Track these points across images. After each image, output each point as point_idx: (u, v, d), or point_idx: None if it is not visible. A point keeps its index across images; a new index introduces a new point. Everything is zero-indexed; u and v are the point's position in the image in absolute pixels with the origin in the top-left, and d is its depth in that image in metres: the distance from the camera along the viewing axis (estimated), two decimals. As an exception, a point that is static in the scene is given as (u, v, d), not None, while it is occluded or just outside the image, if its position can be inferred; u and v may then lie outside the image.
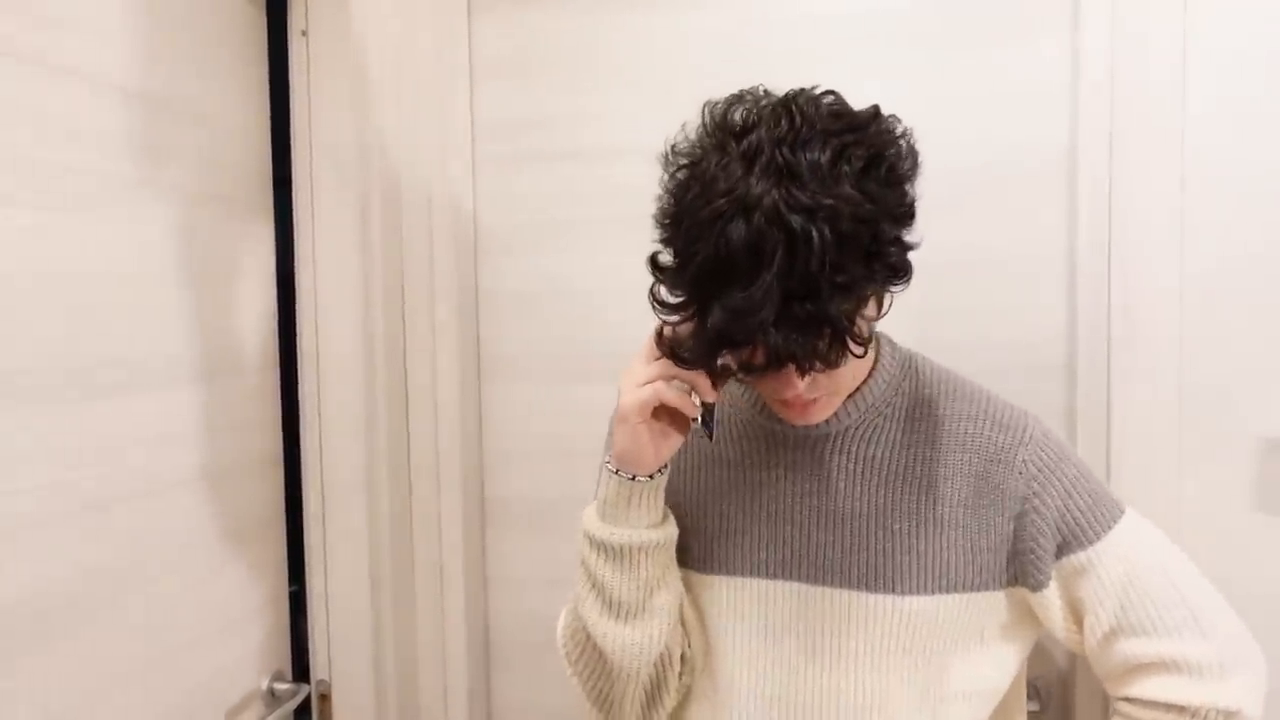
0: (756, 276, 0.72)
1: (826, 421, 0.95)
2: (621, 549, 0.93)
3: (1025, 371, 1.29)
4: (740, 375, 0.84)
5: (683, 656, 1.01)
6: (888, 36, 1.31)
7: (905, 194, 0.80)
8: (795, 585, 0.96)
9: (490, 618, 1.53)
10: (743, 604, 0.97)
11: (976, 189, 1.29)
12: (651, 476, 0.92)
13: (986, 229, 1.29)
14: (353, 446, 1.42)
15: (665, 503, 0.97)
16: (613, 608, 0.95)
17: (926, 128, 1.22)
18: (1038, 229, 1.28)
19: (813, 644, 0.94)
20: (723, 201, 0.74)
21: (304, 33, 1.40)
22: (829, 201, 0.72)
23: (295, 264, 1.42)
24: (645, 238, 0.85)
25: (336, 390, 1.42)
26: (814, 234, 0.71)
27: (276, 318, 1.42)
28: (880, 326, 1.01)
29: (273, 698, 1.39)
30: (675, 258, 0.80)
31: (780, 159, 0.74)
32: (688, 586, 1.01)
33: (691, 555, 1.01)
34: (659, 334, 0.86)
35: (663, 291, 0.81)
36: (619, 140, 1.39)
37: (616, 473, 0.92)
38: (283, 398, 1.44)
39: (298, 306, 1.42)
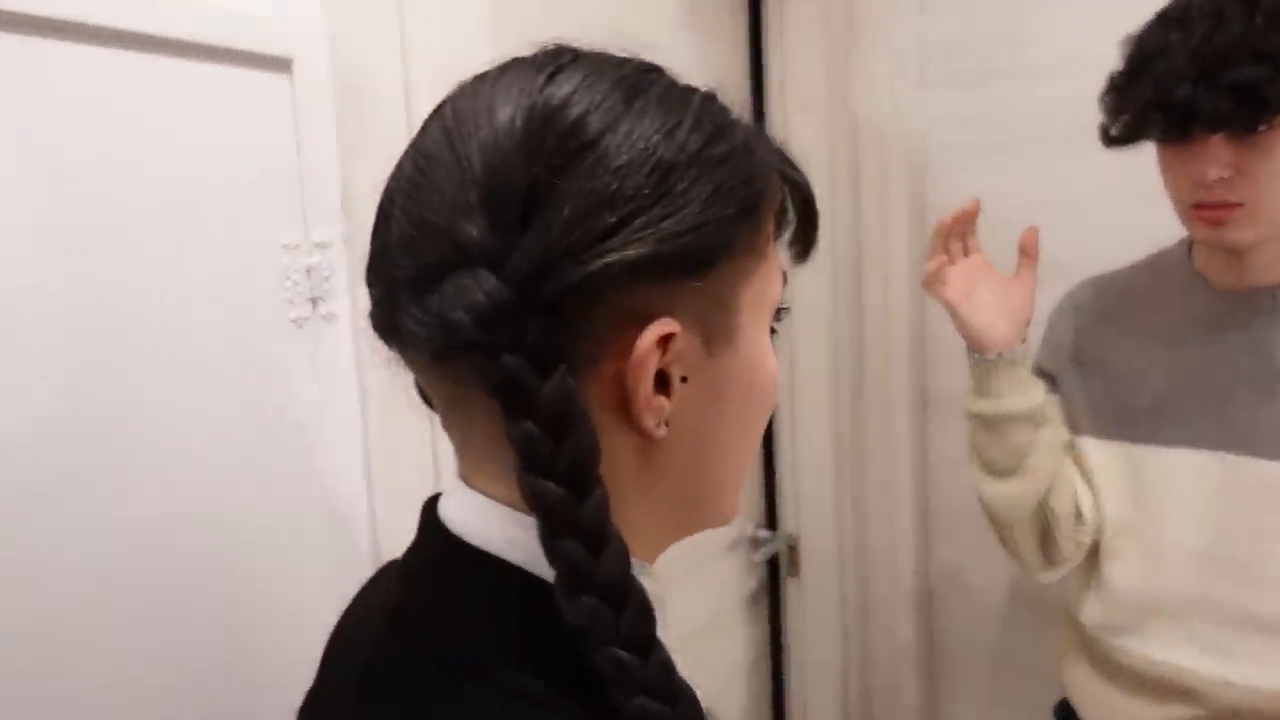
0: (1180, 46, 0.86)
1: (1267, 296, 0.98)
2: (982, 416, 1.07)
3: None
4: (1162, 137, 0.92)
5: (1078, 516, 1.09)
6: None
7: None
8: (1226, 456, 0.99)
9: (929, 491, 1.75)
10: (1173, 472, 1.02)
11: None
12: (1001, 355, 1.04)
13: None
14: (819, 340, 1.70)
15: (1097, 377, 1.09)
16: (986, 466, 1.10)
17: None
18: None
19: (1240, 515, 0.98)
20: (1168, 9, 0.91)
21: (776, -13, 1.62)
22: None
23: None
24: (1088, 150, 1.01)
25: (806, 292, 1.68)
26: (1241, 12, 0.84)
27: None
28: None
29: (755, 543, 1.74)
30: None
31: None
32: (1121, 457, 1.07)
33: (1124, 426, 1.07)
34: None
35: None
36: (1061, 55, 1.45)
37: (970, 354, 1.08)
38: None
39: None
